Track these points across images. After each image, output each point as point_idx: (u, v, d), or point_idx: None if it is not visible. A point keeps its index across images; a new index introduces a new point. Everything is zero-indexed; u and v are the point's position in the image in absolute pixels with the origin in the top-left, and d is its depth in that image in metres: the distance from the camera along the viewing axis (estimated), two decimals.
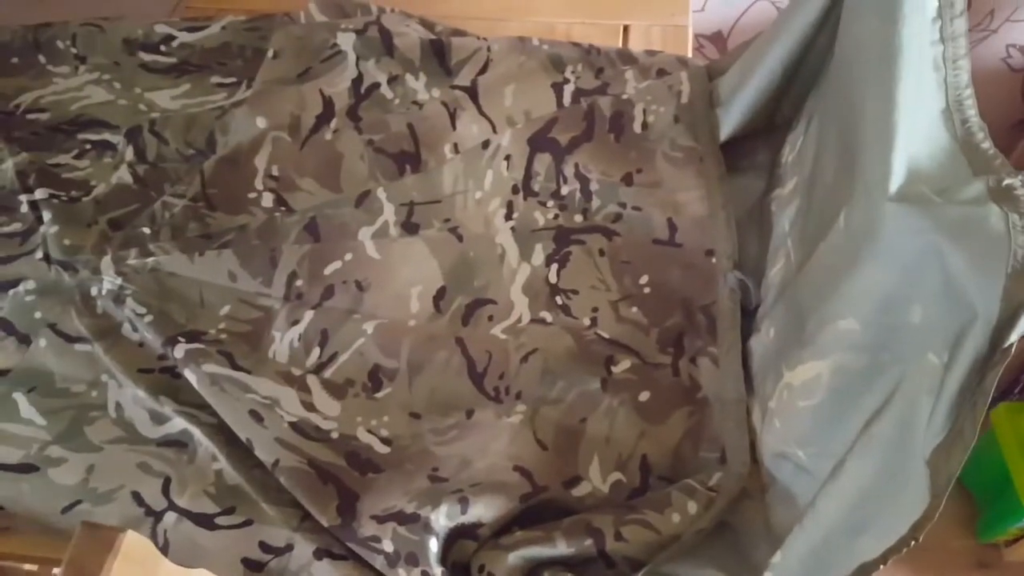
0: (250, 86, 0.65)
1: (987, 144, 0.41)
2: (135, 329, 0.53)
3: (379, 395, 0.50)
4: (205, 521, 0.45)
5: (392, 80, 0.64)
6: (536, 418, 0.48)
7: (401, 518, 0.42)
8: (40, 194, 0.59)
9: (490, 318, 0.53)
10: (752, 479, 0.45)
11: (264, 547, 0.45)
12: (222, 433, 0.48)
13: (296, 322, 0.53)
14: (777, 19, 0.57)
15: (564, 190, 0.58)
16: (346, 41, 0.65)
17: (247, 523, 0.45)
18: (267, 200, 0.59)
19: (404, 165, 0.60)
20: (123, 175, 0.60)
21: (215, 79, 0.67)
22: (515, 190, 0.58)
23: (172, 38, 0.69)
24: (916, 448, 0.36)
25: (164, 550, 0.44)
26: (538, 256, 0.55)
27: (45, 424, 0.50)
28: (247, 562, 0.44)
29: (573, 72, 0.63)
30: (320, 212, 0.57)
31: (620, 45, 0.69)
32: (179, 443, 0.49)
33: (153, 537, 0.44)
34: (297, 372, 0.51)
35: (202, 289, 0.54)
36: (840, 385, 0.42)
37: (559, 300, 0.54)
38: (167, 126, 0.63)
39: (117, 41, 0.69)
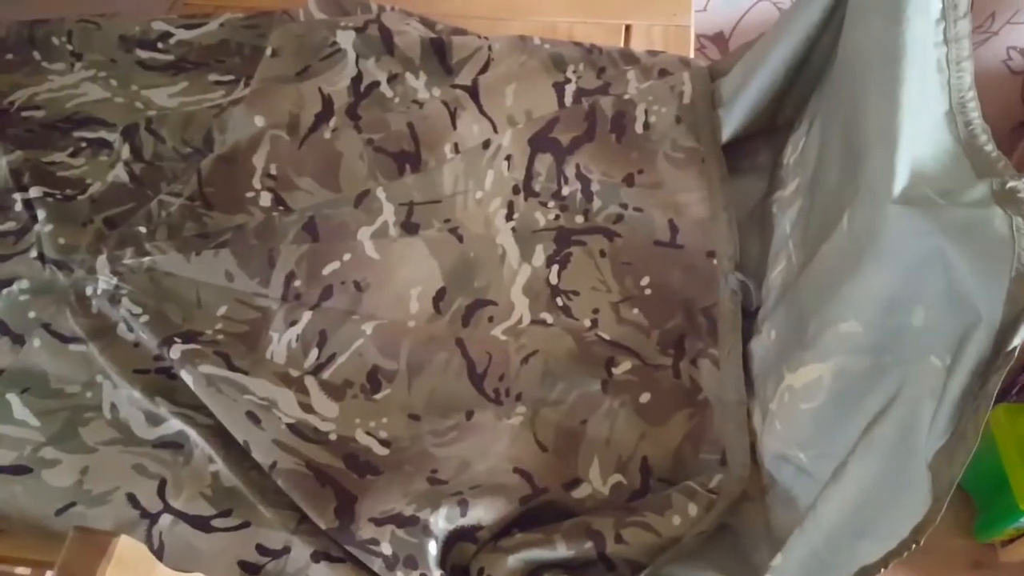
0: (248, 84, 0.64)
1: (990, 147, 0.41)
2: (131, 329, 0.52)
3: (378, 396, 0.50)
4: (201, 523, 0.45)
5: (392, 79, 0.63)
6: (536, 420, 0.48)
7: (400, 520, 0.42)
8: (35, 192, 0.58)
9: (490, 319, 0.53)
10: (752, 481, 0.45)
11: (261, 550, 0.44)
12: (219, 435, 0.47)
13: (294, 323, 0.52)
14: (780, 19, 0.57)
15: (565, 190, 0.57)
16: (346, 39, 0.64)
17: (244, 525, 0.45)
18: (265, 199, 0.58)
19: (404, 165, 0.60)
20: (119, 173, 0.60)
21: (213, 77, 0.67)
22: (516, 190, 0.58)
23: (169, 35, 0.68)
24: (918, 451, 0.36)
25: (159, 553, 0.44)
26: (539, 257, 0.55)
27: (39, 425, 0.49)
28: (244, 565, 0.44)
29: (574, 72, 0.62)
30: (319, 212, 0.57)
31: (622, 45, 0.69)
32: (175, 444, 0.48)
33: (148, 540, 0.44)
34: (295, 373, 0.50)
35: (199, 289, 0.54)
36: (842, 387, 0.41)
37: (560, 301, 0.53)
38: (164, 124, 0.62)
39: (113, 38, 0.68)
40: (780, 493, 0.44)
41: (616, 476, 0.46)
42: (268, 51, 0.65)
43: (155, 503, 0.45)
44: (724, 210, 0.56)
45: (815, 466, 0.42)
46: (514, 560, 0.41)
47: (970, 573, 0.91)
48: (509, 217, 0.57)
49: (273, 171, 0.59)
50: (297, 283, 0.54)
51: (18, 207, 0.59)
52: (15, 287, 0.55)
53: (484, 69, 0.63)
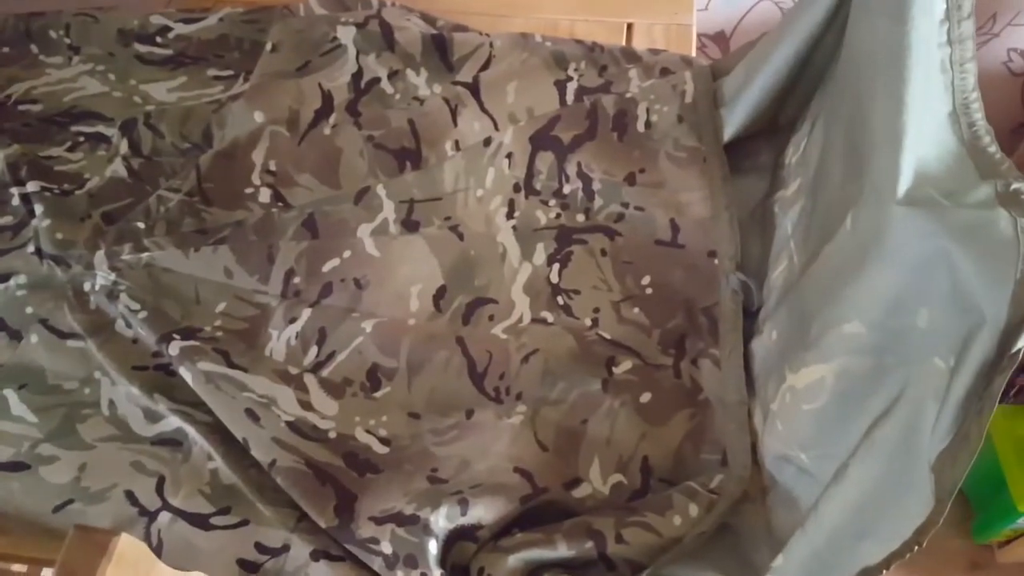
0: (247, 79, 0.64)
1: (994, 148, 0.41)
2: (129, 325, 0.52)
3: (378, 395, 0.50)
4: (200, 521, 0.44)
5: (393, 75, 0.63)
6: (537, 419, 0.47)
7: (400, 519, 0.42)
8: (32, 187, 0.58)
9: (491, 318, 0.53)
10: (753, 481, 0.45)
11: (260, 548, 0.44)
12: (217, 432, 0.47)
13: (294, 320, 0.52)
14: (783, 19, 0.57)
15: (566, 189, 0.57)
16: (346, 35, 0.64)
17: (243, 523, 0.45)
18: (264, 195, 0.58)
19: (404, 162, 0.59)
20: (117, 168, 0.59)
21: (212, 72, 0.66)
22: (517, 188, 0.57)
23: (168, 29, 0.68)
24: (921, 452, 0.36)
25: (158, 551, 0.43)
26: (539, 255, 0.55)
27: (36, 421, 0.49)
28: (242, 563, 0.43)
29: (576, 70, 0.62)
30: (318, 208, 0.57)
31: (623, 43, 0.69)
32: (174, 442, 0.48)
33: (147, 537, 0.44)
34: (294, 371, 0.50)
35: (197, 285, 0.54)
36: (844, 388, 0.41)
37: (560, 300, 0.53)
38: (163, 119, 0.62)
39: (112, 32, 0.68)
40: (781, 494, 0.44)
41: (616, 476, 0.46)
42: (268, 46, 0.65)
43: (154, 500, 0.45)
44: (726, 210, 0.56)
45: (816, 467, 0.42)
46: (514, 560, 0.41)
47: (967, 574, 0.91)
48: (510, 215, 0.57)
49: (272, 167, 0.59)
50: (297, 280, 0.54)
51: (15, 201, 0.58)
52: (12, 282, 0.54)
53: (485, 66, 0.63)
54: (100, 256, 0.53)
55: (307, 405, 0.48)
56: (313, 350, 0.51)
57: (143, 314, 0.51)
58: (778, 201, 0.57)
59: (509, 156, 0.58)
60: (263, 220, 0.56)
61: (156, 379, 0.50)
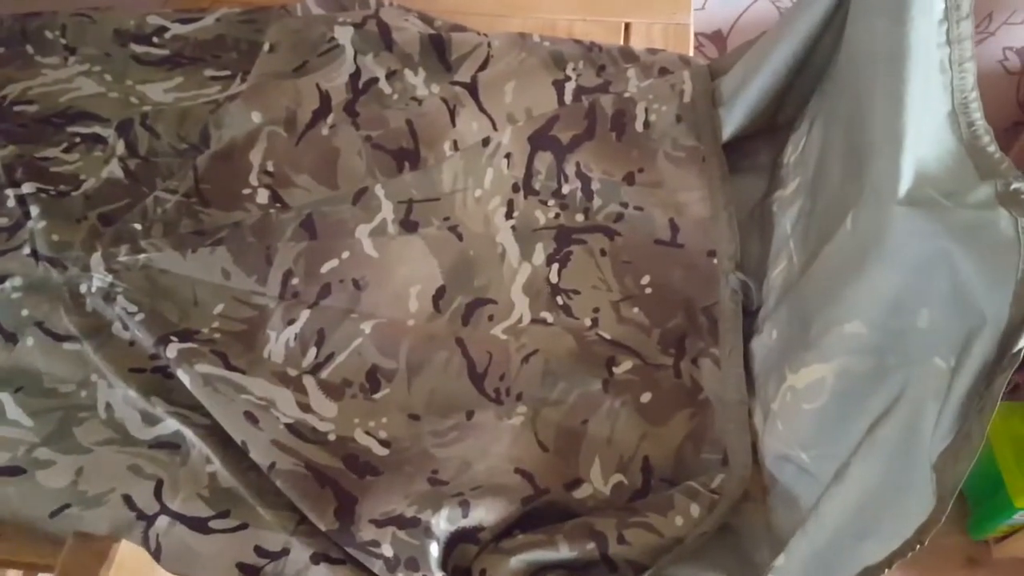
0: (245, 80, 0.64)
1: (993, 147, 0.41)
2: (126, 328, 0.52)
3: (377, 396, 0.49)
4: (199, 525, 0.44)
5: (391, 75, 0.63)
6: (537, 420, 0.47)
7: (401, 522, 0.42)
8: (27, 188, 0.57)
9: (490, 318, 0.52)
10: (754, 481, 0.45)
11: (259, 551, 0.44)
12: (216, 435, 0.47)
13: (292, 321, 0.52)
14: (782, 18, 0.57)
15: (565, 189, 0.57)
16: (344, 35, 0.64)
17: (242, 527, 0.44)
18: (262, 196, 0.58)
19: (403, 162, 0.59)
20: (114, 169, 0.59)
21: (209, 72, 0.66)
22: (516, 188, 0.57)
23: (165, 29, 0.67)
24: (921, 452, 0.36)
25: (156, 555, 0.43)
26: (539, 255, 0.55)
27: (32, 425, 0.48)
28: (242, 567, 0.43)
29: (574, 69, 0.62)
30: (316, 209, 0.56)
31: (622, 43, 0.68)
32: (172, 445, 0.48)
33: (145, 542, 0.43)
34: (293, 372, 0.50)
35: (195, 287, 0.53)
36: (845, 388, 0.41)
37: (560, 300, 0.53)
38: (159, 120, 0.61)
39: (108, 32, 0.67)
40: (782, 493, 0.44)
41: (617, 476, 0.46)
42: (265, 46, 0.64)
43: (152, 504, 0.45)
44: (724, 209, 0.56)
45: (817, 466, 0.42)
46: (516, 561, 0.41)
47: (964, 569, 0.91)
48: (509, 215, 0.56)
49: (270, 168, 0.59)
50: (295, 281, 0.53)
51: (10, 203, 0.58)
52: (7, 285, 0.54)
53: (484, 66, 0.63)
54: (97, 258, 0.53)
55: (306, 407, 0.48)
56: (312, 351, 0.51)
57: (140, 316, 0.51)
58: (776, 201, 0.57)
59: (508, 156, 0.58)
60: (261, 221, 0.56)
61: (154, 382, 0.49)
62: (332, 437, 0.47)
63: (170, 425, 0.48)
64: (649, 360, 0.50)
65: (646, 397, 0.48)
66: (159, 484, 0.46)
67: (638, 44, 0.67)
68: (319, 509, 0.43)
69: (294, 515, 0.44)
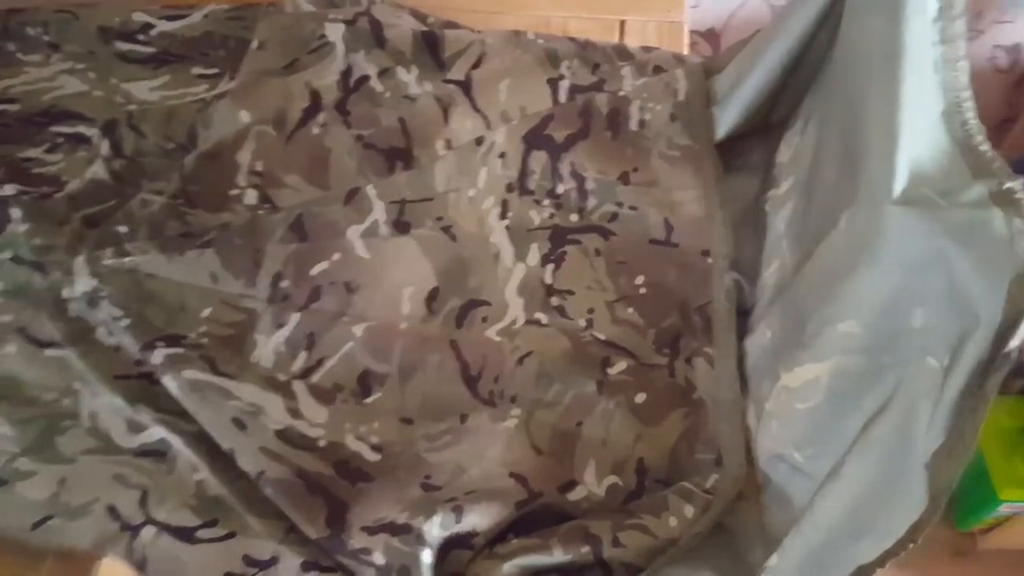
0: (233, 78, 0.62)
1: (985, 146, 0.41)
2: (111, 333, 0.50)
3: (369, 400, 0.49)
4: (186, 535, 0.43)
5: (382, 73, 0.62)
6: (531, 422, 0.47)
7: (393, 529, 0.41)
8: (9, 190, 0.56)
9: (484, 319, 0.52)
10: (747, 480, 0.45)
11: (248, 561, 0.43)
12: (203, 442, 0.46)
13: (281, 325, 0.51)
14: (776, 17, 0.56)
15: (560, 188, 0.56)
16: (334, 32, 0.62)
17: (230, 536, 0.43)
18: (250, 197, 0.57)
19: (395, 161, 0.58)
20: (98, 170, 0.57)
21: (196, 70, 0.65)
22: (510, 188, 0.56)
23: (151, 26, 0.66)
24: (915, 451, 0.37)
25: (142, 567, 0.42)
26: (533, 256, 0.54)
27: (13, 435, 0.47)
28: None
29: (569, 68, 0.61)
30: (307, 210, 0.55)
31: (616, 41, 0.68)
32: (157, 453, 0.46)
33: (130, 554, 0.42)
34: (282, 378, 0.49)
35: (182, 291, 0.52)
36: (839, 388, 0.42)
37: (555, 301, 0.52)
38: (145, 119, 0.60)
39: (92, 29, 0.66)
40: (775, 492, 0.44)
41: (612, 478, 0.45)
42: (254, 44, 0.63)
43: (137, 515, 0.44)
44: (719, 209, 0.56)
45: (811, 466, 0.42)
46: (510, 567, 0.40)
47: (951, 561, 0.92)
48: (503, 215, 0.56)
49: (259, 168, 0.57)
50: (285, 284, 0.52)
51: None
52: None
53: (477, 64, 0.62)
54: (81, 261, 0.52)
55: (296, 413, 0.47)
56: (302, 356, 0.50)
57: (126, 321, 0.50)
58: (770, 200, 0.57)
59: (502, 155, 0.57)
60: (249, 222, 0.55)
61: (139, 388, 0.48)
62: (323, 443, 0.46)
63: (156, 433, 0.47)
64: (643, 360, 0.50)
65: (640, 397, 0.48)
66: (144, 493, 0.45)
67: (633, 42, 0.67)
68: (309, 517, 0.42)
69: (283, 523, 0.43)
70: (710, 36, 0.88)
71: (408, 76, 0.62)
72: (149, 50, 0.65)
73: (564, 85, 0.60)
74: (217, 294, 0.52)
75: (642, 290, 0.53)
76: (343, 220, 0.55)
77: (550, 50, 0.62)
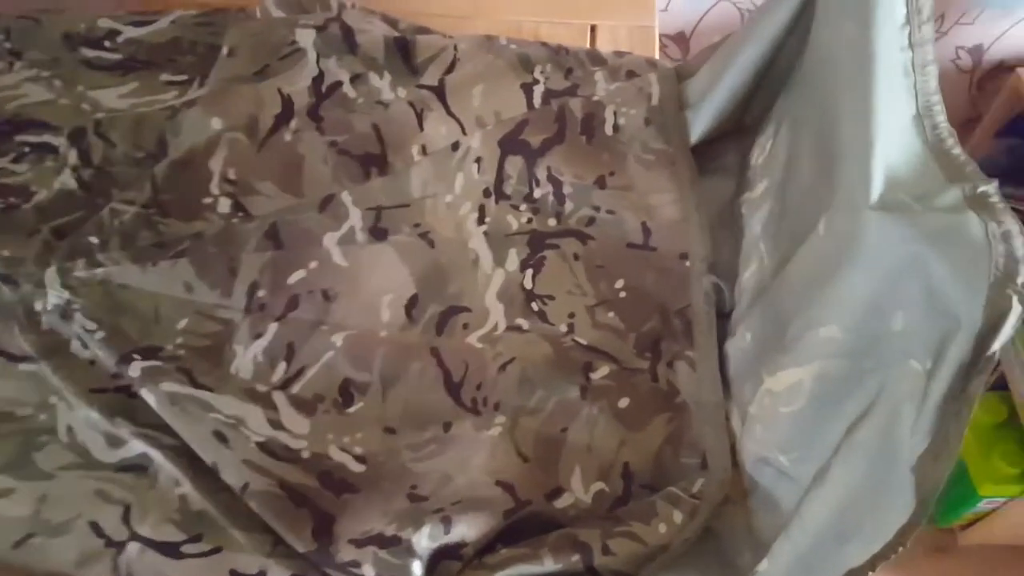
0: (203, 84, 0.61)
1: (957, 150, 0.42)
2: (85, 346, 0.49)
3: (351, 410, 0.48)
4: (171, 550, 0.42)
5: (355, 79, 0.61)
6: (516, 429, 0.47)
7: (381, 541, 0.41)
8: None
9: (465, 326, 0.52)
10: (733, 484, 0.46)
11: None
12: (185, 455, 0.45)
13: (259, 335, 0.50)
14: (747, 22, 0.57)
15: (537, 193, 0.57)
16: (305, 38, 0.62)
17: (216, 551, 0.43)
18: (224, 205, 0.56)
19: (369, 168, 0.58)
20: (67, 180, 0.56)
21: (165, 77, 0.63)
22: (487, 193, 0.56)
23: (117, 33, 0.65)
24: (900, 455, 0.37)
25: None
26: (512, 261, 0.54)
27: None
28: None
29: (542, 72, 0.61)
30: (281, 218, 0.55)
31: (588, 45, 0.68)
32: (138, 467, 0.46)
33: (115, 571, 0.41)
34: (262, 389, 0.48)
35: (156, 302, 0.51)
36: (822, 392, 0.42)
37: (535, 306, 0.53)
38: (114, 127, 0.59)
39: (56, 36, 0.64)
40: (762, 496, 0.44)
41: (598, 484, 0.45)
42: (224, 50, 0.62)
43: (120, 531, 0.43)
44: (696, 212, 0.56)
45: (796, 469, 0.42)
46: None
47: (931, 557, 0.94)
48: (481, 221, 0.56)
49: (232, 176, 0.57)
50: (261, 293, 0.52)
51: None
52: None
53: (450, 69, 0.62)
54: (51, 273, 0.51)
55: (277, 424, 0.47)
56: (281, 366, 0.50)
57: (100, 334, 0.49)
58: (745, 203, 0.58)
59: (478, 161, 0.57)
60: (224, 231, 0.54)
61: (117, 402, 0.47)
62: (306, 454, 0.46)
63: (136, 447, 0.46)
64: (625, 365, 0.50)
65: (624, 402, 0.48)
66: (127, 509, 0.44)
67: (604, 46, 0.67)
68: (296, 530, 0.42)
69: (270, 537, 0.43)
70: (680, 39, 0.89)
71: (381, 82, 0.61)
72: (116, 56, 0.64)
73: (538, 90, 0.60)
74: (192, 304, 0.51)
75: (622, 294, 0.53)
76: (319, 227, 0.54)
77: (523, 55, 0.62)
